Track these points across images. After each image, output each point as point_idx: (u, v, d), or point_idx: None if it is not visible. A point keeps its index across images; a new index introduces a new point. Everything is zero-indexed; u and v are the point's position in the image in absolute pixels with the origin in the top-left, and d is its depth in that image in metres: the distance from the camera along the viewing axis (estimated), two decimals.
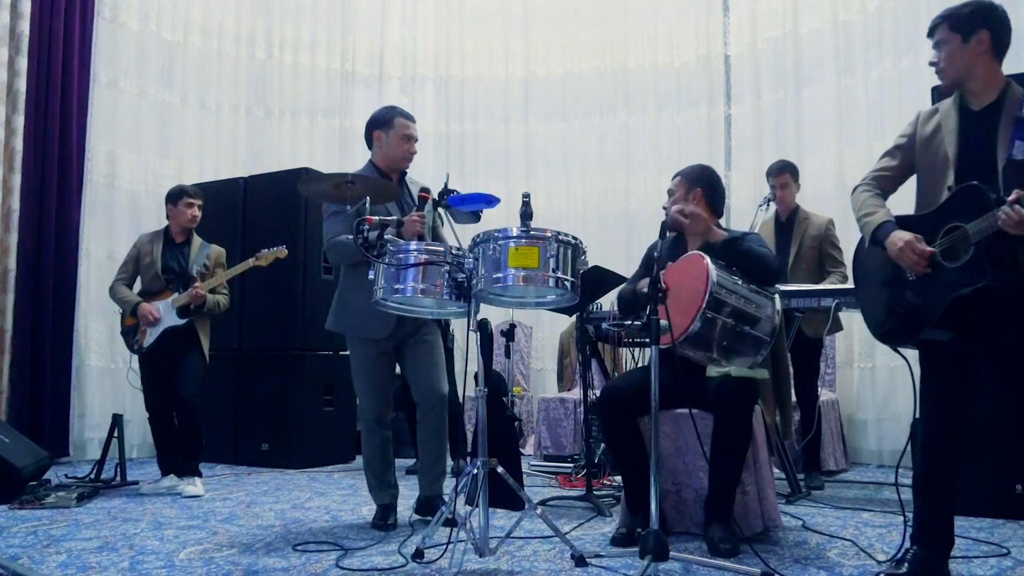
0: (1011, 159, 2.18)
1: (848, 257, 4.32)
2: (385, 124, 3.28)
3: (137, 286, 4.31)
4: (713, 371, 2.86)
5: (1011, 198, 2.06)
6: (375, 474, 3.26)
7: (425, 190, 3.12)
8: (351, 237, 2.80)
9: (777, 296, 2.88)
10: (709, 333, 2.69)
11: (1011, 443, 2.43)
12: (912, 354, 2.44)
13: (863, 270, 2.52)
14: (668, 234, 2.92)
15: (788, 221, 4.38)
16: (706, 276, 2.68)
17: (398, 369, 3.37)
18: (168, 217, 4.32)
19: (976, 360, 2.31)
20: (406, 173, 3.39)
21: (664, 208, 3.13)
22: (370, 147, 3.36)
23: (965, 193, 2.22)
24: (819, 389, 4.43)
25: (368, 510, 3.61)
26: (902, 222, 2.36)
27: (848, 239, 4.54)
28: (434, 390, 3.21)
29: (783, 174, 4.37)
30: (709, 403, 2.86)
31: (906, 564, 2.35)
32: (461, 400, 4.59)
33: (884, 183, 2.53)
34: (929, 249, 2.24)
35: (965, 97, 2.38)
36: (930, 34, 2.41)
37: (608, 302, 4.01)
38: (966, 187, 2.22)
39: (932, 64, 2.40)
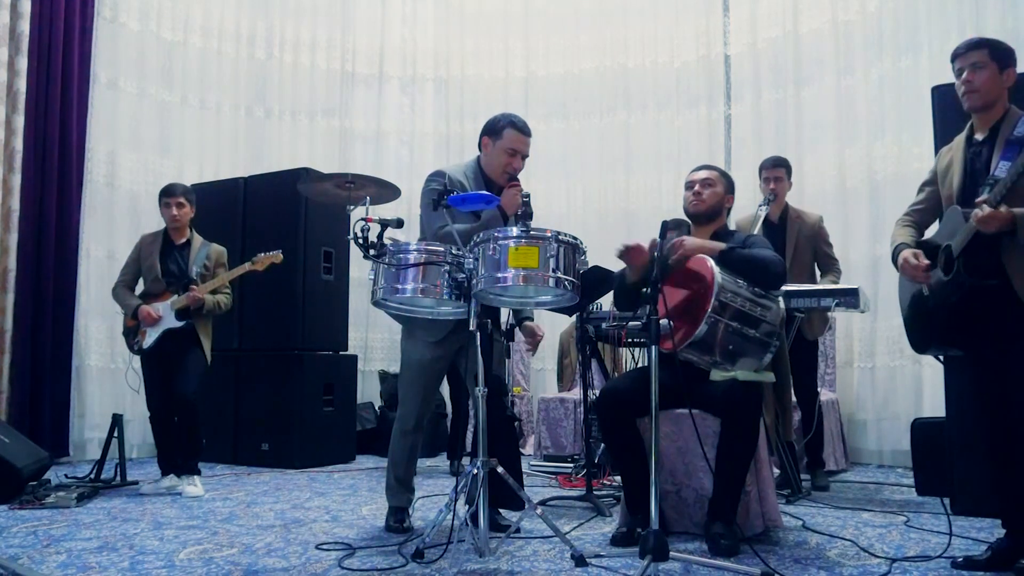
0: (994, 177, 2.38)
1: (852, 249, 4.34)
2: (494, 133, 3.12)
3: (140, 287, 4.32)
4: (717, 375, 2.84)
5: (979, 199, 2.31)
6: (397, 475, 3.21)
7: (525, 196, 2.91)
8: (456, 226, 2.74)
9: (780, 300, 2.87)
10: (714, 337, 2.67)
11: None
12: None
13: (902, 293, 2.75)
14: (668, 234, 2.91)
15: (780, 221, 4.31)
16: (712, 280, 2.67)
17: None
18: None
19: (1002, 361, 2.47)
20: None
21: (696, 193, 3.09)
22: (480, 150, 3.23)
23: (949, 215, 2.52)
24: (819, 388, 4.41)
25: (368, 510, 3.62)
26: (921, 244, 2.64)
27: (849, 238, 4.55)
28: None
29: (778, 168, 4.30)
30: (714, 407, 2.85)
31: (991, 550, 2.46)
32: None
33: (917, 216, 2.78)
34: (925, 262, 2.51)
35: (974, 126, 2.57)
36: (961, 53, 2.53)
37: (608, 302, 4.00)
38: (950, 209, 2.53)
39: (966, 83, 2.50)
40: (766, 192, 4.27)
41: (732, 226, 4.18)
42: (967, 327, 2.47)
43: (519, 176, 3.10)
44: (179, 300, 4.11)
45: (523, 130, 3.13)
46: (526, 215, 2.64)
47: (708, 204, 3.09)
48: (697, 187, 3.11)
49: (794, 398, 4.17)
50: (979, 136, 2.54)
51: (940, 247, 2.53)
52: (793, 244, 4.22)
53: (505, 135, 3.10)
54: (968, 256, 2.39)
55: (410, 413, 3.20)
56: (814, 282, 4.16)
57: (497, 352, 3.20)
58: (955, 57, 2.57)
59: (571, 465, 4.65)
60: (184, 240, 4.32)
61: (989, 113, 2.51)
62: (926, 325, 2.61)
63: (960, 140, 2.61)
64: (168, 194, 4.26)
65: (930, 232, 2.79)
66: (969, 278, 2.38)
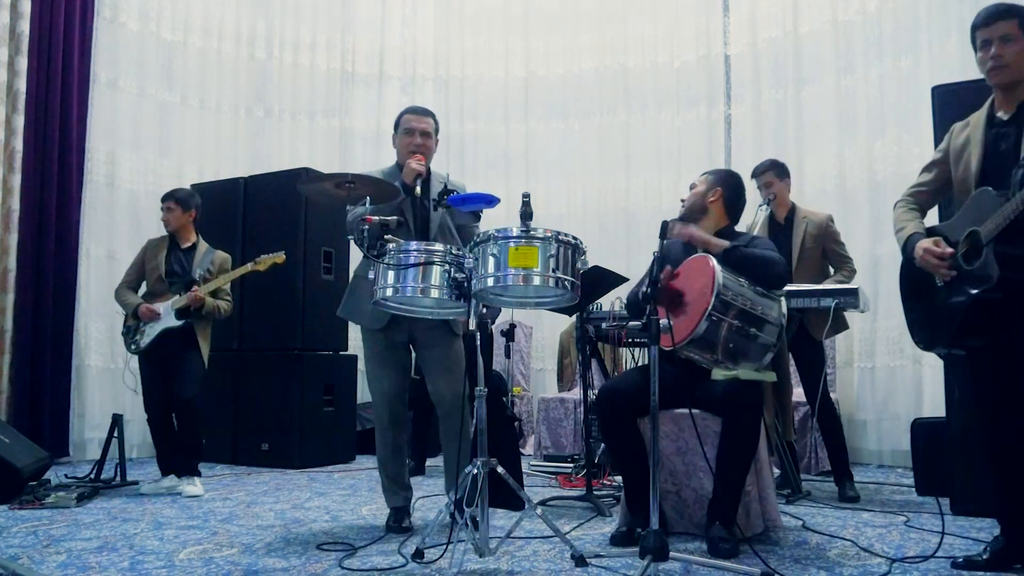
0: None
1: (851, 249, 4.32)
2: (396, 127, 3.30)
3: (143, 290, 4.34)
4: (719, 374, 2.84)
5: None
6: (388, 476, 3.20)
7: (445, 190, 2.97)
8: (357, 208, 2.80)
9: (783, 299, 2.87)
10: (715, 335, 2.68)
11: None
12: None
13: (906, 283, 2.57)
14: (668, 235, 2.91)
15: (787, 222, 4.30)
16: (712, 277, 2.67)
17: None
18: None
19: (1014, 361, 2.34)
20: (430, 172, 3.26)
21: (682, 200, 3.19)
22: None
23: (978, 198, 2.27)
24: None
25: (368, 510, 3.62)
26: (933, 231, 2.43)
27: (849, 238, 4.53)
28: (448, 392, 3.14)
29: (764, 174, 4.24)
30: (716, 406, 2.85)
31: (988, 551, 2.42)
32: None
33: (921, 198, 2.57)
34: (949, 250, 2.29)
35: (996, 104, 2.37)
36: (985, 24, 2.32)
37: (608, 302, 4.01)
38: (979, 192, 2.27)
39: (994, 57, 2.29)
40: (765, 195, 4.28)
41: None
42: (982, 323, 2.27)
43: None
44: (180, 300, 4.13)
45: (415, 111, 3.29)
46: (526, 215, 2.63)
47: (687, 205, 3.17)
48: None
49: (803, 397, 4.16)
50: (1003, 115, 2.32)
51: (964, 234, 2.28)
52: (799, 244, 4.19)
53: (401, 121, 3.27)
54: (999, 244, 2.14)
55: (380, 409, 3.20)
56: (825, 281, 4.14)
57: (444, 355, 3.18)
58: (977, 27, 2.34)
59: (571, 465, 4.65)
60: (190, 244, 4.35)
61: (1016, 91, 2.29)
62: (937, 321, 2.39)
63: (980, 118, 2.38)
64: (162, 199, 4.35)
65: (931, 218, 2.65)
66: (1000, 269, 2.13)
